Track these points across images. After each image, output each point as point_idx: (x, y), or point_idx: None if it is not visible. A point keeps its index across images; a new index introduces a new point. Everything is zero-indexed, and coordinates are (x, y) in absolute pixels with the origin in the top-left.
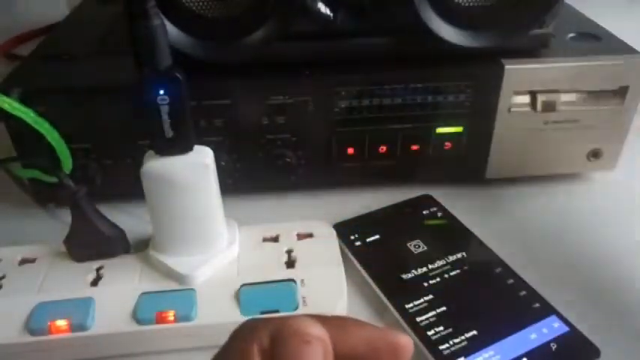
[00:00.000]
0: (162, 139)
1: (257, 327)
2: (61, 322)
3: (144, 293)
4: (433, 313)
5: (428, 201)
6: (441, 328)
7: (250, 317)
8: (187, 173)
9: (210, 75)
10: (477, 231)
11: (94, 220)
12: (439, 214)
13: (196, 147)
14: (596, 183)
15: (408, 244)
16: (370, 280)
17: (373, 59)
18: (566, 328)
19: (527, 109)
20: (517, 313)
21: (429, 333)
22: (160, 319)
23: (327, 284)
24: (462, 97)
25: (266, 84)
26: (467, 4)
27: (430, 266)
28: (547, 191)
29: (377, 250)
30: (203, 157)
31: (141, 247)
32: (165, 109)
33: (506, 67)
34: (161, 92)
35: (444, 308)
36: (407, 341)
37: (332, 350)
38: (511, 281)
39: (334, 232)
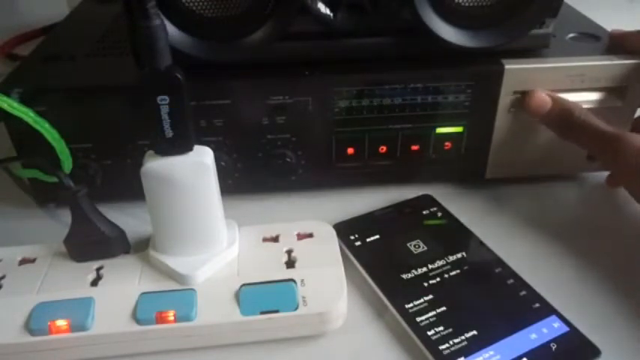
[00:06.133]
0: (162, 139)
1: None
2: (61, 322)
3: (144, 293)
4: (433, 313)
5: (428, 201)
6: (441, 328)
7: (250, 317)
8: (187, 173)
9: (210, 75)
10: (476, 231)
11: (94, 220)
12: (439, 214)
13: (196, 147)
14: (596, 183)
15: (408, 244)
16: (370, 280)
17: (373, 59)
18: (566, 328)
19: None
20: (517, 313)
21: (429, 333)
22: (160, 319)
23: (327, 284)
24: (462, 97)
25: (266, 84)
26: (467, 5)
27: (430, 266)
28: (547, 191)
29: (377, 250)
30: (203, 157)
31: (141, 247)
32: (165, 109)
33: (506, 67)
34: (161, 92)
35: (444, 308)
36: None
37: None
38: (511, 281)
39: (334, 232)
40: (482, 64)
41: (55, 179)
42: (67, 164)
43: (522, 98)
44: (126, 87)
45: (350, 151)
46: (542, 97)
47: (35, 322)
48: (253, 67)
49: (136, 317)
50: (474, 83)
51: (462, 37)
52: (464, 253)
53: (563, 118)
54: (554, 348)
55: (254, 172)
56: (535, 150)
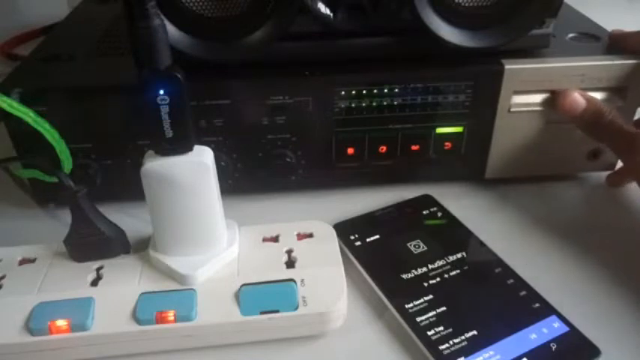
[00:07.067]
0: (162, 139)
1: None
2: (61, 322)
3: (144, 293)
4: (433, 313)
5: (428, 201)
6: (441, 328)
7: (250, 317)
8: (187, 173)
9: (210, 75)
10: (477, 231)
11: (94, 220)
12: (439, 214)
13: (196, 147)
14: (596, 183)
15: (408, 244)
16: (370, 280)
17: (373, 59)
18: (566, 328)
19: (527, 108)
20: (517, 313)
21: (429, 333)
22: (160, 319)
23: (327, 284)
24: (462, 97)
25: (266, 84)
26: (467, 5)
27: (430, 266)
28: (547, 191)
29: (377, 250)
30: (203, 157)
31: (141, 247)
32: (165, 109)
33: (506, 67)
34: (161, 92)
35: (444, 308)
36: None
37: None
38: (511, 281)
39: (334, 232)
40: (482, 64)
41: (55, 179)
42: (67, 164)
43: (553, 98)
44: (126, 87)
45: (350, 151)
46: (577, 98)
47: (35, 322)
48: (253, 67)
49: (136, 317)
50: (474, 83)
51: (462, 37)
52: (464, 253)
53: (595, 119)
54: (554, 348)
55: (254, 172)
56: (535, 150)
